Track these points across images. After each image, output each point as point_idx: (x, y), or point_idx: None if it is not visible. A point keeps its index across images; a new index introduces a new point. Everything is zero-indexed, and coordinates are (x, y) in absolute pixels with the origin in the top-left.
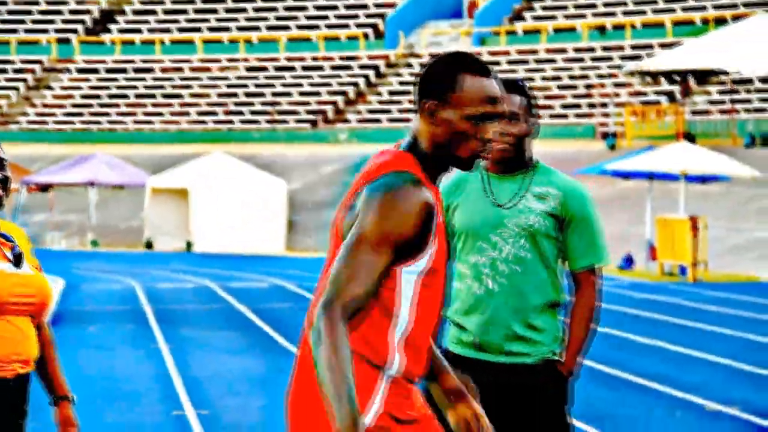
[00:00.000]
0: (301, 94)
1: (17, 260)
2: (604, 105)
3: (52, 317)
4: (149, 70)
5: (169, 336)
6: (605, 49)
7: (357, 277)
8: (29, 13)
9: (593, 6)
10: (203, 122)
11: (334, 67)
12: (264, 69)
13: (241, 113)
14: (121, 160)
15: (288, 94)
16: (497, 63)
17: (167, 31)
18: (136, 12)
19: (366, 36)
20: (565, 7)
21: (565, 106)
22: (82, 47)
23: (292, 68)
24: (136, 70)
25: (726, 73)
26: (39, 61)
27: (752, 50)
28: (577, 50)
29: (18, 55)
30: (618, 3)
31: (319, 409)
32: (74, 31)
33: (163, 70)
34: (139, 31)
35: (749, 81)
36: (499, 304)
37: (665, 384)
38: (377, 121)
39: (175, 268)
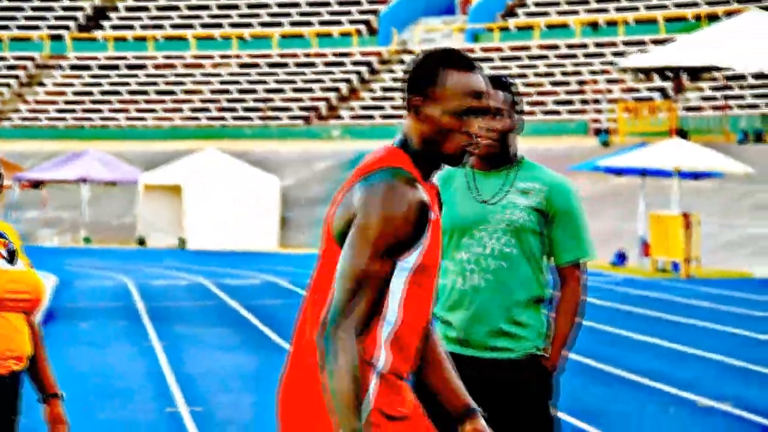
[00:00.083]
0: (294, 90)
1: (11, 257)
2: (596, 101)
3: (45, 314)
4: (142, 67)
5: (161, 333)
6: (598, 45)
7: (363, 290)
8: (21, 9)
9: (586, 2)
10: (196, 119)
11: (326, 64)
12: (257, 66)
13: (233, 110)
14: (114, 157)
15: (281, 91)
16: (490, 59)
17: (160, 27)
18: (129, 8)
19: (359, 32)
20: (557, 4)
21: (557, 103)
22: (74, 44)
23: (284, 65)
24: (129, 67)
25: (719, 69)
26: (31, 58)
27: (745, 46)
28: (569, 46)
29: (10, 52)
30: None
31: (310, 406)
32: (66, 27)
33: (156, 66)
34: (131, 27)
35: (742, 77)
36: (484, 300)
37: (658, 380)
38: (370, 117)
39: (168, 265)
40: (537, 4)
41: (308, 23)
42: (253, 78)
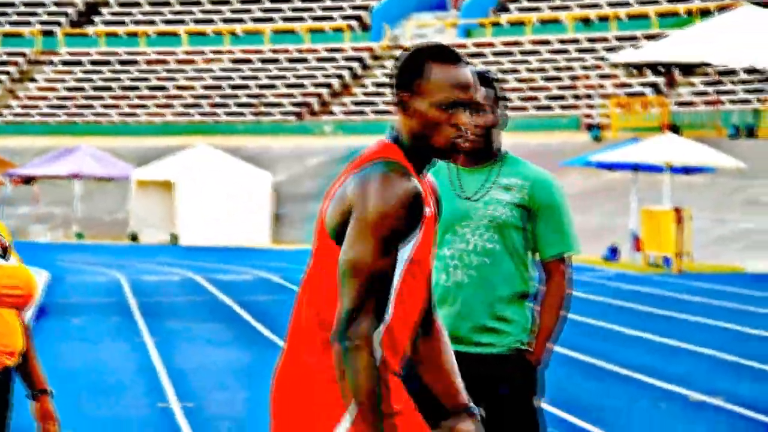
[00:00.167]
0: (286, 86)
1: (4, 252)
2: (589, 96)
3: (37, 310)
4: (134, 63)
5: (154, 328)
6: (590, 40)
7: (372, 285)
8: (13, 5)
9: None
10: (188, 114)
11: (319, 59)
12: (249, 61)
13: (226, 105)
14: (106, 153)
15: (273, 87)
16: (482, 55)
17: (152, 23)
18: (121, 4)
19: (351, 28)
20: None
21: (550, 98)
22: (66, 39)
23: (277, 60)
24: (121, 63)
25: (710, 65)
26: (23, 54)
27: (737, 42)
28: (562, 42)
29: (2, 48)
30: None
31: (304, 401)
32: (58, 23)
33: (148, 62)
34: (123, 23)
35: (734, 72)
36: (468, 296)
37: (650, 375)
38: (362, 113)
39: (160, 261)
40: (529, 0)
41: (300, 19)
42: (245, 74)
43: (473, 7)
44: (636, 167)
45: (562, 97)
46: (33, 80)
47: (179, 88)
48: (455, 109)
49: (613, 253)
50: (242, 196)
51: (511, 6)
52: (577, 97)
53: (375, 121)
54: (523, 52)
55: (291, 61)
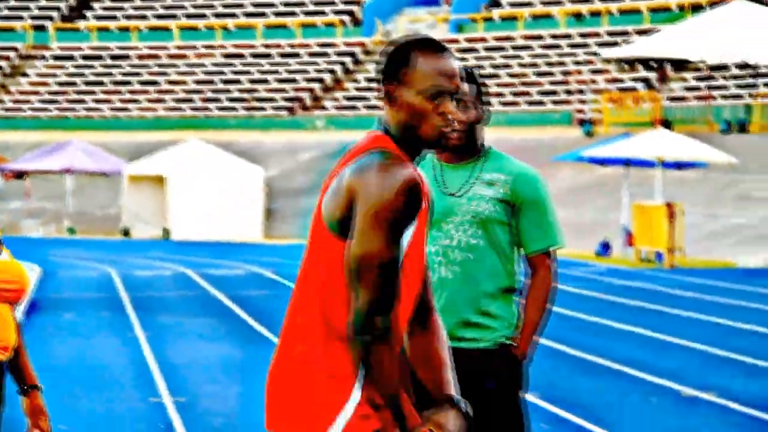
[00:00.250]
0: (278, 81)
1: None
2: (581, 92)
3: (29, 305)
4: (126, 57)
5: (145, 323)
6: (582, 35)
7: (385, 277)
8: (4, 0)
9: None
10: (180, 109)
11: (311, 54)
12: (241, 56)
13: (218, 100)
14: (98, 148)
15: (265, 81)
16: (474, 50)
17: (143, 17)
18: None
19: (343, 23)
20: None
21: (542, 93)
22: (57, 34)
23: (269, 55)
24: (113, 57)
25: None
26: (14, 48)
27: (729, 37)
28: (553, 37)
29: None
30: None
31: (299, 396)
32: (50, 17)
33: (140, 57)
34: (115, 17)
35: (726, 67)
36: (452, 292)
37: (641, 370)
38: (354, 108)
39: (152, 256)
40: None
41: (292, 13)
42: (237, 68)
43: (465, 2)
44: (628, 162)
45: (553, 93)
46: (25, 75)
47: (171, 82)
48: (442, 97)
49: (605, 248)
50: (234, 191)
51: (503, 1)
52: (568, 92)
53: (367, 116)
54: (514, 48)
55: (283, 56)
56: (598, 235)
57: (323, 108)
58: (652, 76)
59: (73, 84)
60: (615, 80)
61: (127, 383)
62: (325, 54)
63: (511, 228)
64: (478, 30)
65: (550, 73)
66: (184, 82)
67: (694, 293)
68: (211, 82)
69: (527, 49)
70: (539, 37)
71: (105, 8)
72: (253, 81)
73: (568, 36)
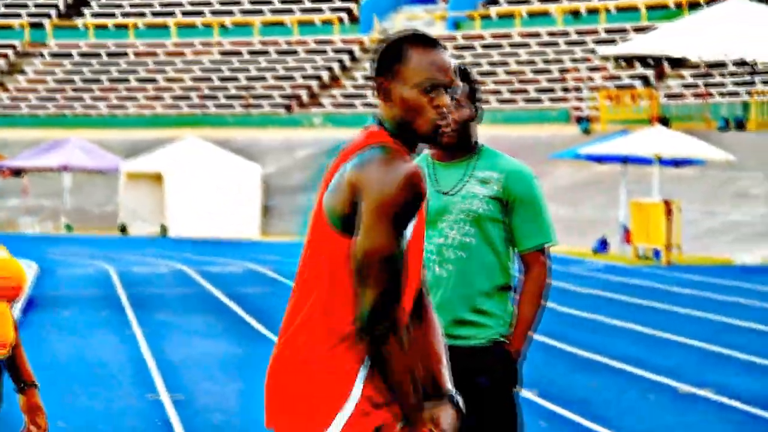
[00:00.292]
0: (276, 78)
1: None
2: (578, 89)
3: (26, 302)
4: (123, 55)
5: (143, 320)
6: (579, 33)
7: (392, 271)
8: None
9: None
10: (177, 107)
11: (308, 52)
12: (238, 53)
13: (215, 98)
14: (95, 145)
15: (262, 79)
16: (471, 47)
17: (141, 15)
18: None
19: (340, 20)
20: None
21: (539, 91)
22: (55, 32)
23: (266, 53)
24: (110, 55)
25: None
26: (12, 46)
27: (727, 34)
28: (551, 34)
29: None
30: None
31: (302, 393)
32: (47, 15)
33: (137, 54)
34: (112, 15)
35: (723, 65)
36: (446, 290)
37: (639, 367)
38: (351, 105)
39: (150, 253)
40: None
41: (289, 11)
42: (234, 66)
43: None
44: (625, 160)
45: (551, 90)
46: (22, 72)
47: (168, 80)
48: (437, 91)
49: (602, 245)
50: (231, 188)
51: None
52: (566, 89)
53: (364, 114)
54: (512, 45)
55: (280, 53)
56: (595, 233)
57: (320, 105)
58: (650, 73)
59: (71, 81)
60: (612, 78)
61: (124, 380)
62: (322, 51)
63: (504, 225)
64: (476, 27)
65: (548, 71)
66: (181, 80)
67: (691, 290)
68: (208, 79)
69: (524, 47)
70: (536, 35)
71: (102, 5)
72: (250, 78)
73: (565, 33)
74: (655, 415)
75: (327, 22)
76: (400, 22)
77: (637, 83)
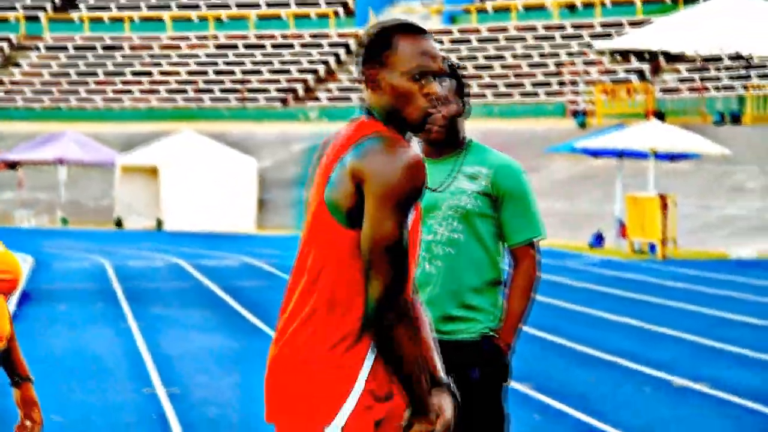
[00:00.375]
0: (271, 71)
1: None
2: (574, 83)
3: (22, 295)
4: (118, 48)
5: (139, 314)
6: (575, 27)
7: (401, 258)
8: None
9: None
10: (173, 100)
11: (304, 45)
12: (234, 47)
13: (210, 91)
14: (91, 138)
15: (258, 72)
16: (467, 41)
17: (136, 8)
18: None
19: (336, 14)
20: None
21: (535, 84)
22: (50, 25)
23: (261, 46)
24: (105, 48)
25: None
26: (7, 39)
27: (722, 28)
28: (547, 28)
29: None
30: None
31: (304, 387)
32: (42, 8)
33: (132, 47)
34: (107, 8)
35: (719, 59)
36: (435, 287)
37: (634, 360)
38: (347, 99)
39: (145, 246)
40: None
41: (285, 4)
42: (230, 59)
43: None
44: (621, 154)
45: (547, 84)
46: (17, 65)
47: (164, 73)
48: (426, 78)
49: (598, 239)
50: (227, 182)
51: None
52: (562, 83)
53: (360, 107)
54: (508, 39)
55: (276, 46)
56: (591, 227)
57: (316, 99)
58: (646, 67)
59: (66, 75)
60: (608, 72)
61: (120, 374)
62: (318, 45)
63: (494, 221)
64: (472, 21)
65: (544, 65)
66: (176, 73)
67: (686, 284)
68: (203, 72)
69: (520, 41)
70: (532, 29)
71: None
72: (245, 72)
73: (561, 27)
74: (650, 409)
75: (323, 16)
76: (395, 15)
77: (633, 77)
